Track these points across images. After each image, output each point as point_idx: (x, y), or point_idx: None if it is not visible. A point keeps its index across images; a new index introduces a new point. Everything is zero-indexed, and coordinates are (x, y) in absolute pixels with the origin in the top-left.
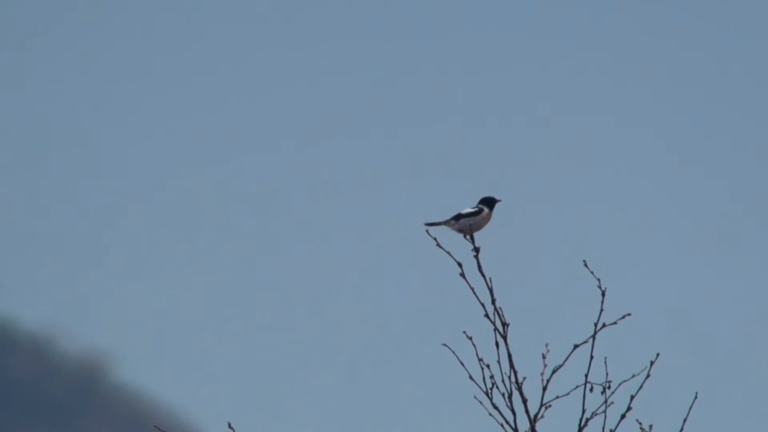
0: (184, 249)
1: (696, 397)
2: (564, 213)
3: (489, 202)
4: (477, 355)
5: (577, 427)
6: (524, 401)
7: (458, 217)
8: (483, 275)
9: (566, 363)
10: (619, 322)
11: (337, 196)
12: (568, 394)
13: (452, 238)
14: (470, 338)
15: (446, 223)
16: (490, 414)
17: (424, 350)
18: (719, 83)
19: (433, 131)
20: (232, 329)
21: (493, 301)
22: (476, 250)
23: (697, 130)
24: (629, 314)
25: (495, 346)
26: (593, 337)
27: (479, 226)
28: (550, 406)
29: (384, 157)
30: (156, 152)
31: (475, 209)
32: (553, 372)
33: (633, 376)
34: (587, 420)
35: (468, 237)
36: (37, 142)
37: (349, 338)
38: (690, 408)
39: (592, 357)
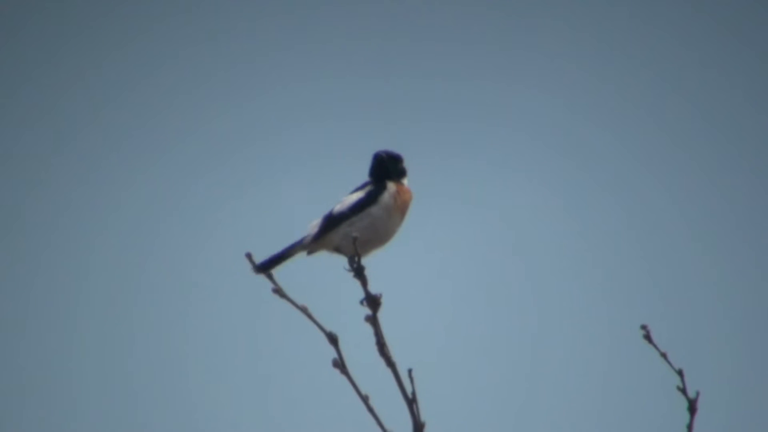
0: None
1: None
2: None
3: (390, 168)
4: None
5: None
6: None
7: (328, 223)
8: (387, 359)
9: None
10: None
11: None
12: None
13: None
14: None
15: (302, 247)
16: None
17: None
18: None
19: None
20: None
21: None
22: (369, 298)
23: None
24: None
25: None
26: None
27: (382, 229)
28: None
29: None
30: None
31: (367, 192)
32: None
33: None
34: None
35: (354, 261)
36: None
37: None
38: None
39: None
